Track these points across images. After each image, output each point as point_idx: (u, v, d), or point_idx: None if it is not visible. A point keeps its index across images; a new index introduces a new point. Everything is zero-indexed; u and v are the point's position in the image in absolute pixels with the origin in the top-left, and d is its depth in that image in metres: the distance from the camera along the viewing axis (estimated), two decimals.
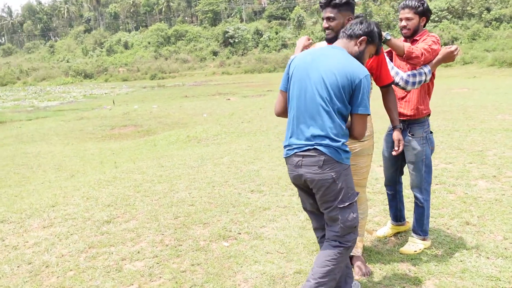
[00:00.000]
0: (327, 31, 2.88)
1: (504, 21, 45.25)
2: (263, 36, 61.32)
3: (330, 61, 2.43)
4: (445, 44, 43.43)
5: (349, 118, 2.51)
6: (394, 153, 3.07)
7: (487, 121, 9.04)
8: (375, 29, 2.55)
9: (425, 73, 3.08)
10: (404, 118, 3.29)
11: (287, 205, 4.56)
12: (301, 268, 3.16)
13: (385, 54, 3.02)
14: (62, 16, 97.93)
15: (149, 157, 7.86)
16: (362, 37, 2.51)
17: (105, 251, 3.67)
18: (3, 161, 9.06)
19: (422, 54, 3.00)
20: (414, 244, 3.38)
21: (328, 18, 2.83)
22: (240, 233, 3.91)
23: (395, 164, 3.54)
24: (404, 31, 3.24)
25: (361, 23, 2.54)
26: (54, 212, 4.74)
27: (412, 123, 3.29)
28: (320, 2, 2.88)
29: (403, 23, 3.22)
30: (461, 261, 3.15)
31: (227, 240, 3.78)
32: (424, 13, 3.19)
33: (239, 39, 61.23)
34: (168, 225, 4.17)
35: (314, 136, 2.39)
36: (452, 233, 3.65)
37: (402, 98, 3.30)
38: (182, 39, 67.01)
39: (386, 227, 3.77)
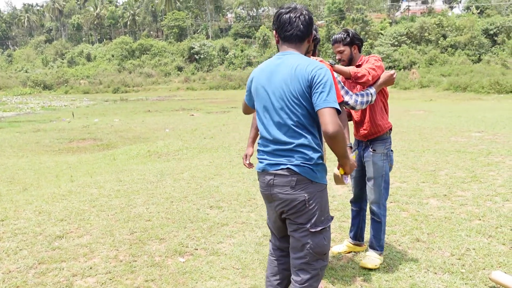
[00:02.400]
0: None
1: (459, 48, 47.51)
2: (229, 53, 61.70)
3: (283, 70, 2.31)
4: (404, 68, 45.24)
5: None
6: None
7: (441, 143, 9.42)
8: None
9: (371, 93, 3.23)
10: (368, 138, 3.45)
11: (245, 221, 4.57)
12: (256, 283, 3.17)
13: (336, 75, 3.14)
14: (22, 25, 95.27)
15: (108, 171, 7.70)
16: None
17: (56, 266, 3.56)
18: None
19: (368, 72, 3.18)
20: (374, 259, 3.45)
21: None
22: (196, 249, 3.89)
23: (360, 183, 3.64)
24: (341, 62, 3.47)
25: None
26: (3, 227, 4.55)
27: (374, 140, 3.44)
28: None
29: (338, 56, 3.46)
30: (410, 276, 3.25)
31: (183, 256, 3.75)
32: (353, 42, 3.40)
33: (205, 55, 61.30)
34: (123, 241, 4.09)
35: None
36: (403, 250, 3.76)
37: (362, 121, 3.45)
38: (146, 53, 66.38)
39: (343, 245, 3.84)
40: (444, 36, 49.40)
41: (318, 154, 2.29)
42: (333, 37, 3.45)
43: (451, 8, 71.27)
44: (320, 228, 2.29)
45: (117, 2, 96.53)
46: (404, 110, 19.13)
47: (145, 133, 14.47)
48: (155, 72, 60.99)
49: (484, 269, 3.32)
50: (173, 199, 5.47)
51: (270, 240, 2.65)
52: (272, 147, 2.31)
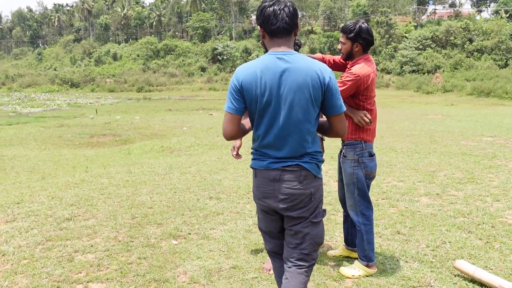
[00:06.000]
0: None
1: (485, 52, 46.72)
2: (252, 54, 62.18)
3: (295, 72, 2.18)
4: (428, 72, 44.66)
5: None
6: None
7: (449, 146, 9.49)
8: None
9: None
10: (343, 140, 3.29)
11: (240, 211, 4.86)
12: (237, 264, 3.46)
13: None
14: (53, 24, 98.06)
15: (121, 164, 8.12)
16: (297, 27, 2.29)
17: (61, 244, 3.92)
18: None
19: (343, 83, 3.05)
20: (355, 269, 3.32)
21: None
22: (190, 233, 4.19)
23: (342, 187, 3.45)
24: (341, 55, 3.32)
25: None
26: (18, 209, 4.96)
27: (346, 145, 3.26)
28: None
29: (339, 46, 3.24)
30: (381, 263, 3.48)
31: (176, 239, 4.06)
32: (356, 40, 3.10)
33: (228, 56, 61.96)
34: (124, 224, 4.44)
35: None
36: (381, 241, 3.98)
37: None
38: (171, 54, 67.51)
39: (338, 249, 3.74)
40: (471, 40, 48.67)
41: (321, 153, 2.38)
42: (344, 24, 3.16)
43: (479, 12, 70.00)
44: (320, 218, 2.37)
45: (143, 3, 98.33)
46: (422, 114, 19.12)
47: (163, 131, 14.95)
48: (179, 72, 62.02)
49: (454, 259, 3.51)
50: (176, 190, 5.80)
51: (272, 255, 2.57)
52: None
